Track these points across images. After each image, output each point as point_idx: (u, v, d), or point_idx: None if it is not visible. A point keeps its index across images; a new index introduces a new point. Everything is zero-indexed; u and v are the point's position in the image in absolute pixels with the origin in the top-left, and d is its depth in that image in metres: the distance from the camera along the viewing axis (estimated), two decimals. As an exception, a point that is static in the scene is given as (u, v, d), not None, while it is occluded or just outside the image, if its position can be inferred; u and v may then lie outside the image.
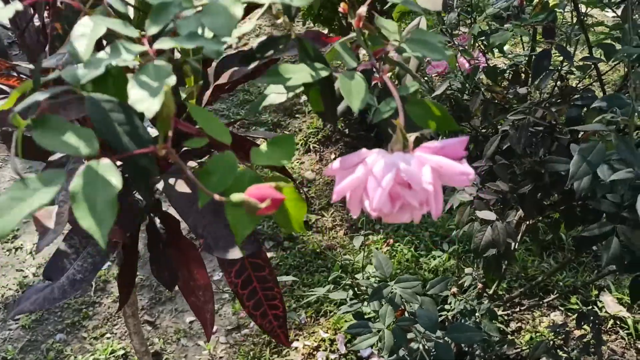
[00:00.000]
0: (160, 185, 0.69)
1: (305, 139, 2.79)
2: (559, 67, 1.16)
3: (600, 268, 1.96)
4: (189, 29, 0.38)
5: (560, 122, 1.09)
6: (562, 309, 1.87)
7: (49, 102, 0.40)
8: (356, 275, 1.21)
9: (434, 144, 0.41)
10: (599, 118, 0.70)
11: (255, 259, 0.67)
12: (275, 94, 0.48)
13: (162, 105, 0.37)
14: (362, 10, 0.45)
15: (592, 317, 1.25)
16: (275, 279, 0.69)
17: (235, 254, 0.60)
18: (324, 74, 0.44)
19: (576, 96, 1.04)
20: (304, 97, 3.24)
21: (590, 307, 1.83)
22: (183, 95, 0.63)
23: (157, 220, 0.78)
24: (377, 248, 2.18)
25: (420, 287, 1.12)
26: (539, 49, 1.33)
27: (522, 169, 1.11)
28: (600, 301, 1.91)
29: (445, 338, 0.90)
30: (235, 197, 0.39)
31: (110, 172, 0.37)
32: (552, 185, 1.01)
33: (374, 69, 0.45)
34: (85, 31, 0.40)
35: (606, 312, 1.85)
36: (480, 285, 1.18)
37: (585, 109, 0.96)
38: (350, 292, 1.16)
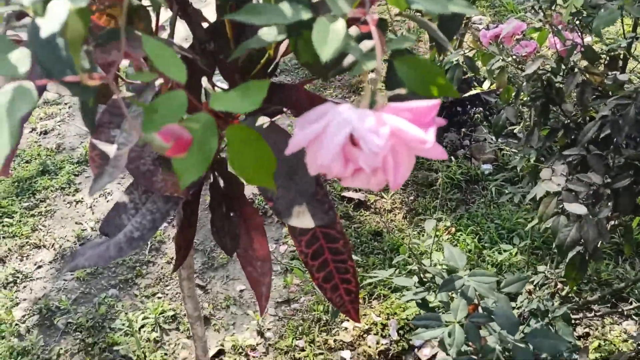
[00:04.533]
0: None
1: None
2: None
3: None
4: None
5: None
6: (637, 318, 1.73)
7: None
8: (423, 262, 1.13)
9: (401, 104, 0.36)
10: None
11: (328, 230, 0.61)
12: (265, 34, 0.44)
13: (66, 26, 0.37)
14: None
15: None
16: (350, 252, 0.63)
17: (307, 222, 0.54)
18: (305, 16, 0.39)
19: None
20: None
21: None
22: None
23: (221, 182, 0.72)
24: (437, 235, 2.08)
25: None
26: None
27: (618, 161, 1.00)
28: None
29: (522, 343, 0.82)
30: (148, 135, 0.35)
31: (29, 94, 0.36)
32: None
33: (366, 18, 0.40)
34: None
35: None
36: (559, 286, 1.08)
37: None
38: (416, 278, 1.08)
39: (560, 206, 0.95)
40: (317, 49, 0.36)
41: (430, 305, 1.11)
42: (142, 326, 1.79)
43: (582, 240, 0.90)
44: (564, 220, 0.95)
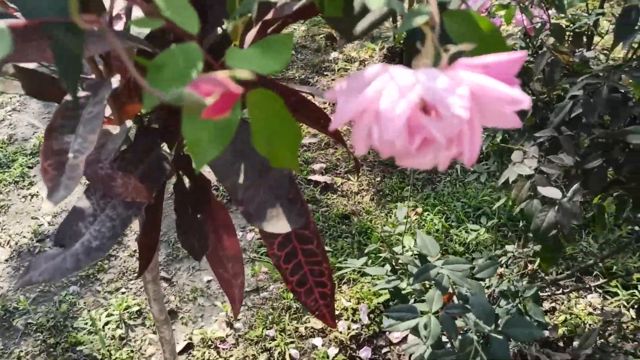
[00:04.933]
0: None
1: (333, 97, 2.66)
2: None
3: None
4: None
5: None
6: (600, 291, 1.77)
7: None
8: (394, 249, 1.11)
9: (475, 59, 0.29)
10: None
11: (302, 230, 0.57)
12: None
13: None
14: None
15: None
16: (324, 253, 0.59)
17: (282, 227, 0.50)
18: None
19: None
20: (333, 54, 3.08)
21: (631, 291, 1.72)
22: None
23: (186, 180, 0.68)
24: (405, 217, 2.08)
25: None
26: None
27: (592, 140, 0.99)
28: (642, 285, 1.80)
29: (498, 334, 0.80)
30: (174, 92, 0.28)
31: (2, 36, 0.29)
32: (627, 160, 0.90)
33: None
34: None
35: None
36: (530, 267, 1.08)
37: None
38: (388, 266, 1.06)
39: (533, 188, 0.94)
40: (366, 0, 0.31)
41: (403, 292, 1.10)
42: (106, 323, 1.73)
43: (557, 224, 0.89)
44: (538, 204, 0.94)
